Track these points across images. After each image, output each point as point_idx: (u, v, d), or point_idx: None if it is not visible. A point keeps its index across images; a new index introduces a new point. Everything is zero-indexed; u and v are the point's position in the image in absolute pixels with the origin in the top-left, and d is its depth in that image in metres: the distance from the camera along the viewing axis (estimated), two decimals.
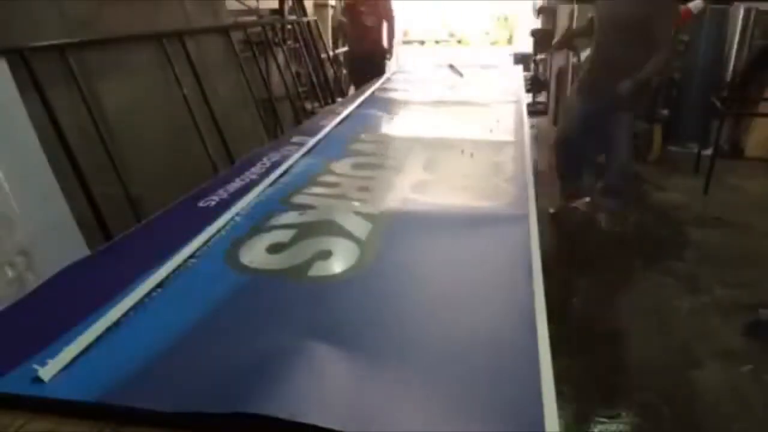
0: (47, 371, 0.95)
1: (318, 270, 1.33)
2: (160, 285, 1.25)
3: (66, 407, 0.89)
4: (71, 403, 0.89)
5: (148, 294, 1.22)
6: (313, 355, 0.99)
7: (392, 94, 4.03)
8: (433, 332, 1.10)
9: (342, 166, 2.19)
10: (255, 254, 1.41)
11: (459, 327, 1.13)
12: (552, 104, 6.85)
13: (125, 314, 1.13)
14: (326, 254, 1.40)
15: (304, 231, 1.53)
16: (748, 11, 5.16)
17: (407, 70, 5.26)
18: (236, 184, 1.93)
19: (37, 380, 0.93)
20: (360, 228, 1.55)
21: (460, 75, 4.93)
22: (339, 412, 0.85)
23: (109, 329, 1.08)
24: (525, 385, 0.93)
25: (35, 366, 0.95)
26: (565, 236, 3.76)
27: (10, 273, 2.07)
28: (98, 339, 1.05)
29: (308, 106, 5.25)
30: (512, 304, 1.20)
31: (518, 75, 4.90)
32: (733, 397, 2.26)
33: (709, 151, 4.58)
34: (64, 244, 2.35)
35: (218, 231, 1.54)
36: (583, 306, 2.94)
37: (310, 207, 1.72)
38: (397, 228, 1.60)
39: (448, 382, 0.95)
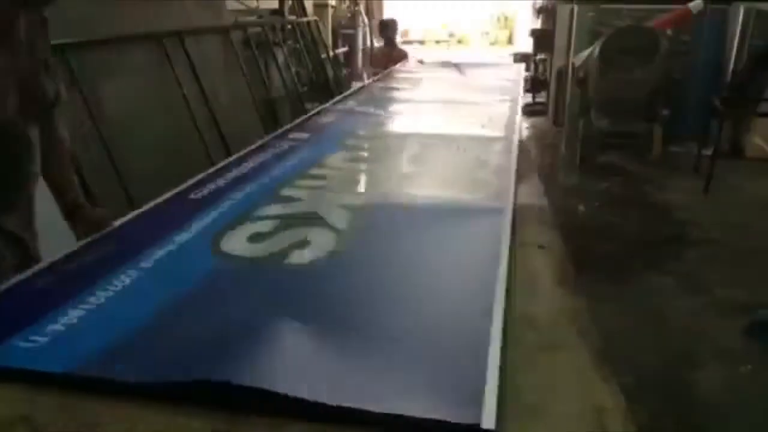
0: (30, 347, 1.01)
1: (295, 258, 1.40)
2: (143, 269, 1.32)
3: (47, 378, 0.94)
4: (53, 375, 0.94)
5: (130, 277, 1.28)
6: (282, 332, 1.06)
7: (389, 93, 4.05)
8: (397, 314, 1.18)
9: (333, 160, 2.24)
10: (236, 243, 1.48)
11: (422, 310, 1.19)
12: (552, 104, 6.86)
13: (106, 297, 1.19)
14: (303, 243, 1.47)
15: (286, 222, 1.61)
16: (748, 11, 5.16)
17: (404, 70, 5.29)
18: (228, 177, 1.99)
19: (23, 354, 0.99)
20: (340, 219, 1.63)
21: (460, 73, 4.94)
22: (311, 384, 0.90)
23: (91, 311, 1.14)
24: (474, 363, 0.97)
25: (19, 342, 1.02)
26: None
27: None
28: (81, 318, 1.11)
29: (308, 106, 5.26)
30: (476, 290, 1.25)
31: (518, 74, 4.91)
32: (733, 397, 2.26)
33: (709, 151, 4.58)
34: (64, 244, 2.35)
35: (205, 220, 1.61)
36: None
37: (296, 199, 1.79)
38: (376, 218, 1.68)
39: (406, 360, 1.01)
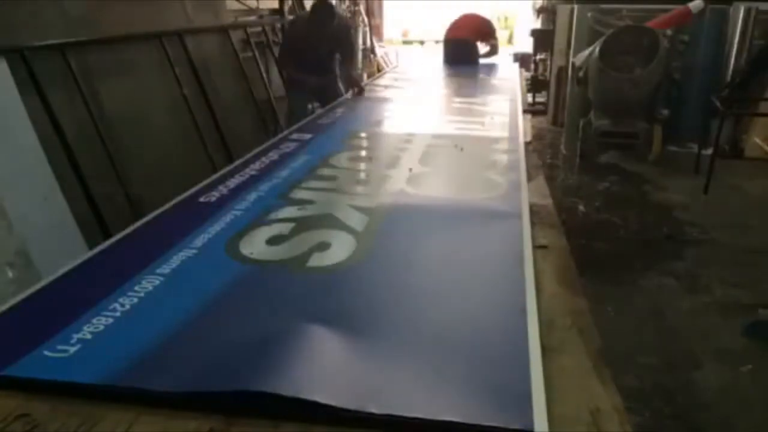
0: (59, 357, 0.98)
1: (317, 260, 1.37)
2: (163, 275, 1.28)
3: (78, 390, 0.91)
4: (84, 386, 0.91)
5: (152, 283, 1.25)
6: (313, 337, 1.03)
7: (387, 93, 4.06)
8: (426, 317, 1.15)
9: (339, 160, 2.23)
10: (255, 246, 1.45)
11: (451, 311, 1.17)
12: (552, 104, 6.85)
13: (130, 304, 1.16)
14: (324, 246, 1.45)
15: (303, 224, 1.58)
16: (748, 11, 5.16)
17: (402, 70, 5.32)
18: (236, 180, 1.98)
19: (50, 364, 0.96)
20: (357, 221, 1.60)
21: (451, 74, 4.97)
22: (338, 390, 0.89)
23: (117, 318, 1.11)
24: (514, 364, 0.96)
25: (46, 352, 0.99)
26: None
27: (10, 273, 2.07)
28: (108, 327, 1.08)
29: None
30: (503, 289, 1.24)
31: (515, 72, 4.96)
32: (733, 397, 2.26)
33: (709, 151, 4.58)
34: (64, 244, 2.35)
35: (218, 224, 1.57)
36: None
37: (309, 201, 1.77)
38: (393, 219, 1.65)
39: (440, 363, 0.98)
